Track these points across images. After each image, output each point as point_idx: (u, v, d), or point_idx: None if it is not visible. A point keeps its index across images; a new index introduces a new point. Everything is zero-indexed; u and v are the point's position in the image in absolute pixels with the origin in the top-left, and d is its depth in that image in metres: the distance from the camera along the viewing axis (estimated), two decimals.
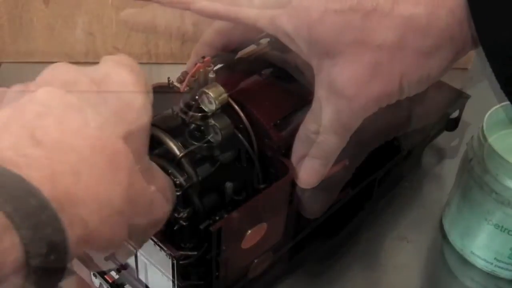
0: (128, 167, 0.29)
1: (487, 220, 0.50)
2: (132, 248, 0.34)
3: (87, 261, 0.33)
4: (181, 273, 0.40)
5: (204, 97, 0.40)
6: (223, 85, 0.40)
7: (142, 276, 0.44)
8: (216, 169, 0.41)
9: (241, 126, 0.42)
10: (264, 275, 0.46)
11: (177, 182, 0.39)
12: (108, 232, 0.28)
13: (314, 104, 0.40)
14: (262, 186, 0.43)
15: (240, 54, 0.48)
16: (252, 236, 0.41)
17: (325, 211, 0.46)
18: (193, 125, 0.42)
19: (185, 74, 0.41)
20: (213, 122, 0.40)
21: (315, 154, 0.41)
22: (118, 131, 0.30)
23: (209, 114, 0.40)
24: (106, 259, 0.34)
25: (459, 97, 0.61)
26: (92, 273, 0.47)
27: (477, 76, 0.73)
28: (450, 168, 0.60)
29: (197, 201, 0.40)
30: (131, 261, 0.44)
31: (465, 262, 0.53)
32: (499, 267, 0.52)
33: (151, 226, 0.33)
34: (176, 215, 0.39)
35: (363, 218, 0.56)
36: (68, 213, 0.26)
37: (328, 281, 0.52)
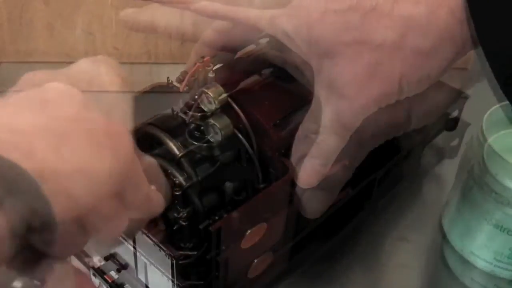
0: (114, 142, 0.29)
1: (487, 220, 0.50)
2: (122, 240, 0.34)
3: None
4: (181, 273, 0.40)
5: (204, 97, 0.40)
6: (223, 85, 0.40)
7: (141, 276, 0.44)
8: (216, 169, 0.41)
9: (241, 126, 0.42)
10: (264, 275, 0.46)
11: (177, 182, 0.39)
12: (98, 206, 0.28)
13: (314, 104, 0.40)
14: (262, 186, 0.43)
15: (239, 54, 0.48)
16: (252, 236, 0.41)
17: (325, 211, 0.46)
18: (193, 125, 0.42)
19: (184, 74, 0.41)
20: (212, 122, 0.40)
21: (315, 154, 0.41)
22: (97, 109, 0.30)
23: (209, 114, 0.40)
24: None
25: (459, 97, 0.61)
26: (92, 273, 0.47)
27: (476, 76, 0.73)
28: (450, 168, 0.60)
29: (197, 201, 0.40)
30: (131, 261, 0.44)
31: (465, 262, 0.53)
32: (499, 267, 0.52)
33: (145, 216, 0.33)
34: (176, 215, 0.39)
35: (363, 218, 0.56)
36: (49, 184, 0.26)
37: (328, 281, 0.52)
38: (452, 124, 0.63)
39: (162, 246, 0.39)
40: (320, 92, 0.39)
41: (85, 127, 0.28)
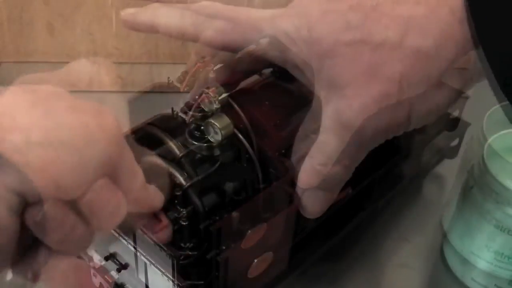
0: (102, 124, 0.29)
1: (487, 220, 0.50)
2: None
3: None
4: (181, 273, 0.40)
5: (204, 96, 0.40)
6: (223, 85, 0.41)
7: (142, 276, 0.44)
8: (216, 169, 0.41)
9: (241, 126, 0.42)
10: (264, 275, 0.46)
11: (177, 182, 0.39)
12: (92, 188, 0.28)
13: (314, 104, 0.40)
14: (262, 186, 0.43)
15: (240, 54, 0.48)
16: (252, 236, 0.41)
17: (325, 211, 0.46)
18: (193, 125, 0.42)
19: (185, 74, 0.41)
20: (213, 121, 0.40)
21: (315, 154, 0.41)
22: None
23: (209, 114, 0.40)
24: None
25: (459, 97, 0.61)
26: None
27: (477, 76, 0.72)
28: (450, 168, 0.60)
29: (197, 201, 0.40)
30: (131, 261, 0.44)
31: (465, 262, 0.53)
32: (499, 267, 0.52)
33: (144, 209, 0.33)
34: (176, 215, 0.39)
35: (363, 218, 0.56)
36: (30, 157, 0.26)
37: (328, 281, 0.52)
38: (452, 124, 0.63)
39: (162, 246, 0.39)
40: (320, 92, 0.39)
41: (71, 108, 0.29)
